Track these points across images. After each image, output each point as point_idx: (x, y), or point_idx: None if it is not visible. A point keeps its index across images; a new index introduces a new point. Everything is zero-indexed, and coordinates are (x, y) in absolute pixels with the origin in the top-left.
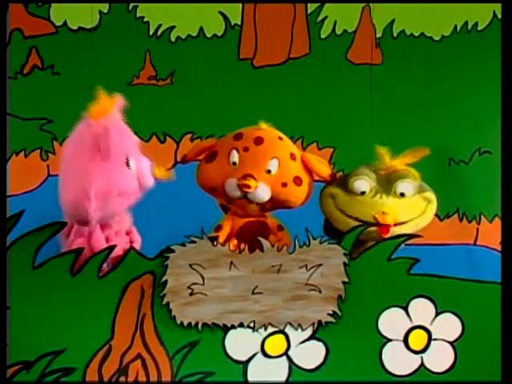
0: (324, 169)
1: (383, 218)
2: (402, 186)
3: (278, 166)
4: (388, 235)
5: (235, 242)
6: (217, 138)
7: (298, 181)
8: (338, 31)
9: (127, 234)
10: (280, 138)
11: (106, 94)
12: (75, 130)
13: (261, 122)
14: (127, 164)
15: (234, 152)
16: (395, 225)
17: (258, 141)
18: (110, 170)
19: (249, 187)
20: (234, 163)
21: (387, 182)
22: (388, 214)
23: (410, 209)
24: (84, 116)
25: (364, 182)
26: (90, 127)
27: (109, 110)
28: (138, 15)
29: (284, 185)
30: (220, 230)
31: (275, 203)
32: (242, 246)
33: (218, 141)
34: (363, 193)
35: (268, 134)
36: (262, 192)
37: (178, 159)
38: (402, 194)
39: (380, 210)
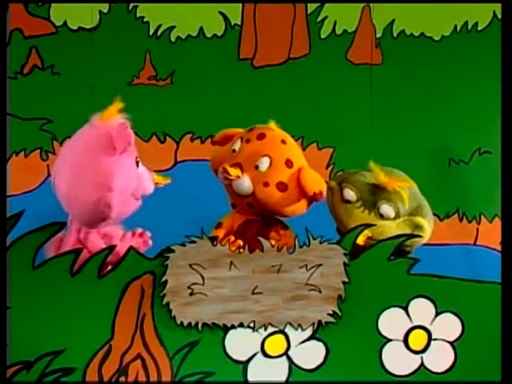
0: (310, 185)
1: (360, 237)
2: (383, 208)
3: (269, 165)
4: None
5: (232, 238)
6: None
7: (281, 186)
8: (338, 31)
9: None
10: (283, 142)
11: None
12: (78, 135)
13: (271, 121)
14: (137, 164)
15: (238, 141)
16: (369, 239)
17: (261, 136)
18: (127, 166)
19: (228, 174)
20: (234, 151)
21: (374, 199)
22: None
23: (388, 230)
24: (91, 120)
25: (351, 193)
26: (102, 127)
27: (116, 114)
28: (138, 15)
29: (266, 184)
30: (219, 228)
31: (257, 203)
32: (241, 243)
33: (240, 131)
34: (348, 201)
35: (272, 134)
36: (243, 184)
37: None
38: (382, 216)
39: (354, 222)
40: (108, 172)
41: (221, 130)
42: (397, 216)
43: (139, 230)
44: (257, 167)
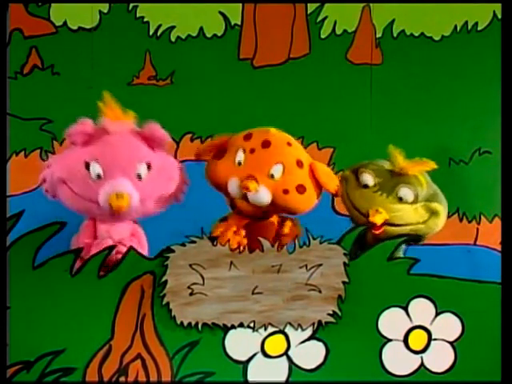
0: (330, 183)
1: (374, 215)
2: (403, 191)
3: (283, 171)
4: (379, 233)
5: (241, 236)
6: (230, 135)
7: (301, 189)
8: (338, 31)
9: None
10: (289, 144)
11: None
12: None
13: (271, 128)
14: (87, 165)
15: (241, 152)
16: (387, 224)
17: (266, 144)
18: (68, 156)
19: (249, 189)
20: (239, 163)
21: (393, 183)
22: (380, 213)
23: (406, 214)
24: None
25: (369, 176)
26: (121, 126)
27: (122, 118)
28: (138, 15)
29: (285, 191)
30: (224, 221)
31: (276, 208)
32: (243, 242)
33: (230, 138)
34: (366, 186)
35: (277, 139)
36: (263, 196)
37: (195, 156)
38: (401, 199)
39: (375, 207)
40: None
41: (206, 142)
42: (415, 200)
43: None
44: (272, 176)
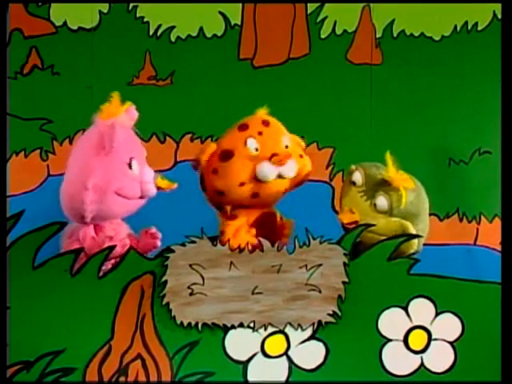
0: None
1: (345, 213)
2: (379, 199)
3: (290, 141)
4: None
5: (251, 234)
6: (214, 141)
7: (306, 152)
8: (338, 31)
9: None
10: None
11: (116, 97)
12: (85, 132)
13: (258, 110)
14: (130, 166)
15: (251, 139)
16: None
17: (266, 123)
18: (111, 165)
19: (288, 157)
20: (256, 149)
21: (376, 189)
22: (352, 214)
23: (377, 223)
24: (94, 118)
25: (358, 176)
26: (98, 125)
27: (118, 113)
28: (138, 15)
29: (301, 156)
30: (234, 219)
31: (294, 180)
32: (253, 241)
33: (222, 141)
34: (353, 183)
35: (271, 118)
36: (292, 166)
37: (193, 164)
38: (375, 206)
39: (351, 206)
40: (88, 170)
41: (198, 154)
42: (389, 212)
43: (152, 230)
44: (286, 147)
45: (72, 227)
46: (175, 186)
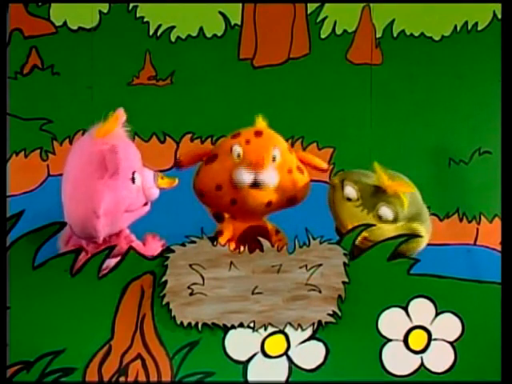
0: (320, 162)
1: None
2: (383, 210)
3: (281, 155)
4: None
5: (233, 247)
6: (211, 144)
7: (300, 169)
8: (338, 31)
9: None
10: (277, 135)
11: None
12: (79, 146)
13: (258, 116)
14: (132, 180)
15: (237, 146)
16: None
17: (258, 133)
18: (118, 187)
19: (262, 166)
20: (239, 155)
21: (375, 200)
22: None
23: (385, 232)
24: (90, 131)
25: (352, 190)
26: (96, 145)
27: (113, 128)
28: (138, 15)
29: (289, 171)
30: (221, 236)
31: (281, 194)
32: (242, 247)
33: (214, 146)
34: (349, 199)
35: (266, 128)
36: (272, 175)
37: (174, 164)
38: (380, 217)
39: (354, 222)
40: (96, 196)
41: (187, 152)
42: (395, 220)
43: (158, 236)
44: (274, 158)
45: (68, 232)
46: (176, 182)
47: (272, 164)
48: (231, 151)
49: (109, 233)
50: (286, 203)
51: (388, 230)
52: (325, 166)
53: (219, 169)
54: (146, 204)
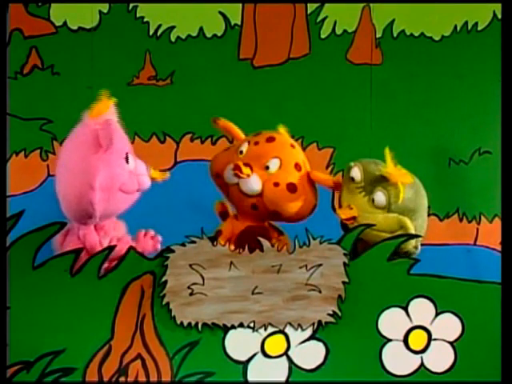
0: (327, 179)
1: (344, 209)
2: (377, 194)
3: (279, 167)
4: (349, 223)
5: (233, 247)
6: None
7: (291, 187)
8: (338, 31)
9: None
10: (292, 146)
11: (105, 95)
12: (73, 132)
13: (281, 126)
14: (126, 160)
15: (245, 143)
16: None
17: (270, 139)
18: (112, 164)
19: (240, 171)
20: (241, 152)
21: (374, 185)
22: (350, 209)
23: (376, 219)
24: (83, 117)
25: (357, 171)
26: (89, 125)
27: (106, 110)
28: (138, 15)
29: (276, 184)
30: (220, 236)
31: (264, 204)
32: (241, 247)
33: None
34: (352, 179)
35: (282, 137)
36: (253, 183)
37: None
38: (373, 201)
39: (350, 202)
40: (91, 170)
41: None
42: (387, 208)
43: (152, 232)
44: (267, 168)
45: (62, 234)
46: (168, 175)
47: (262, 172)
48: (241, 145)
49: (105, 210)
50: (268, 215)
51: (377, 217)
52: (329, 182)
53: (223, 158)
54: (138, 190)
